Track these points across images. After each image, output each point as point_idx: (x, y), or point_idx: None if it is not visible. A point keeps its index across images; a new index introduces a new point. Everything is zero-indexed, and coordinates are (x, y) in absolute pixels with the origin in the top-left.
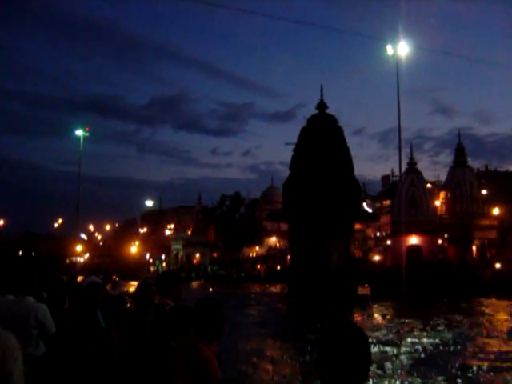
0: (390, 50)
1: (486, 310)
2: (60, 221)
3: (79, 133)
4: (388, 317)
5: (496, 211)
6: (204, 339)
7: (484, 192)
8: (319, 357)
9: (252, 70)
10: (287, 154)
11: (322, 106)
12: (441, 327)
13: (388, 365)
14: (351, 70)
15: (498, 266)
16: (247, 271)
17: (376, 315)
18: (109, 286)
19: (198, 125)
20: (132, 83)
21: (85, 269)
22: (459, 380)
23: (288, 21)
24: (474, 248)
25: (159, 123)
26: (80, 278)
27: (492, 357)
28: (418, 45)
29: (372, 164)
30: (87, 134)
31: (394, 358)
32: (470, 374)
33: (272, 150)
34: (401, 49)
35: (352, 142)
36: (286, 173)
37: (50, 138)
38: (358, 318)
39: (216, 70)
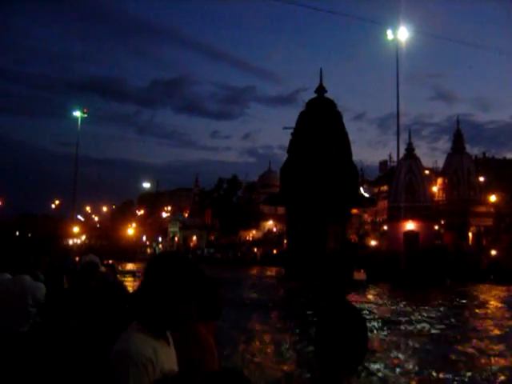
0: (390, 34)
1: (481, 296)
2: (57, 202)
3: (77, 114)
4: (382, 300)
5: (493, 198)
6: (201, 318)
7: (481, 179)
8: (317, 336)
9: (254, 54)
10: (286, 138)
11: (320, 89)
12: (432, 310)
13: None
14: (353, 54)
15: (493, 252)
16: (244, 254)
17: (371, 297)
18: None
19: (198, 108)
20: (133, 65)
21: (81, 250)
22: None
23: (290, 3)
24: (470, 234)
25: (160, 105)
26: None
27: (478, 340)
28: (418, 30)
29: (371, 149)
30: (85, 116)
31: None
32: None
33: (271, 133)
34: (401, 34)
35: (353, 127)
36: (284, 157)
37: (49, 119)
38: (353, 299)
39: (218, 53)
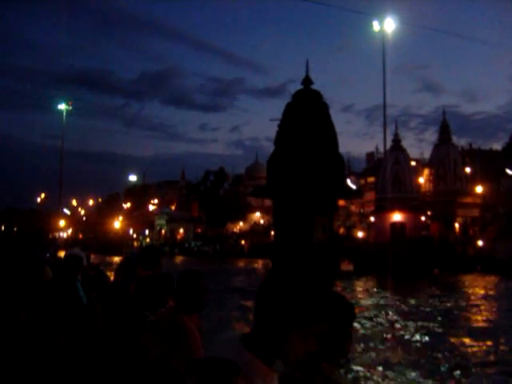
0: (376, 26)
1: (466, 286)
2: (43, 196)
3: (62, 107)
4: (369, 290)
5: (479, 189)
6: (186, 311)
7: (468, 170)
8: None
9: (242, 46)
10: (273, 130)
11: (307, 81)
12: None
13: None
14: (341, 46)
15: (480, 243)
16: (231, 246)
17: (358, 288)
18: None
19: (187, 100)
20: (121, 58)
21: (67, 244)
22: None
23: None
24: (456, 225)
25: (148, 98)
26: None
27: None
28: (405, 21)
29: (358, 141)
30: (70, 108)
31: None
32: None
33: (258, 125)
34: (387, 25)
35: (341, 119)
36: (271, 149)
37: (35, 112)
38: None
39: (206, 46)
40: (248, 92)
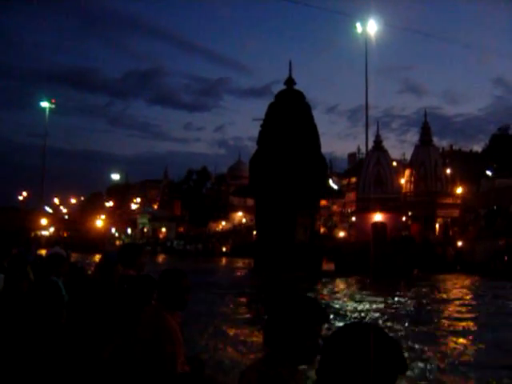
0: (359, 27)
1: (446, 286)
2: (25, 194)
3: (45, 105)
4: (350, 289)
5: (459, 190)
6: (168, 309)
7: (448, 171)
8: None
9: (227, 46)
10: (256, 130)
11: (290, 81)
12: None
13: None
14: (326, 47)
15: (460, 243)
16: (213, 246)
17: (339, 288)
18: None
19: (172, 99)
20: (107, 56)
21: (49, 242)
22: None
23: None
24: (437, 226)
25: (133, 97)
26: (43, 251)
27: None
28: (387, 23)
29: (341, 141)
30: (53, 106)
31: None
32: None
33: (242, 125)
34: (370, 27)
35: (324, 120)
36: (255, 148)
37: (19, 109)
38: (322, 291)
39: (191, 45)
40: (233, 92)
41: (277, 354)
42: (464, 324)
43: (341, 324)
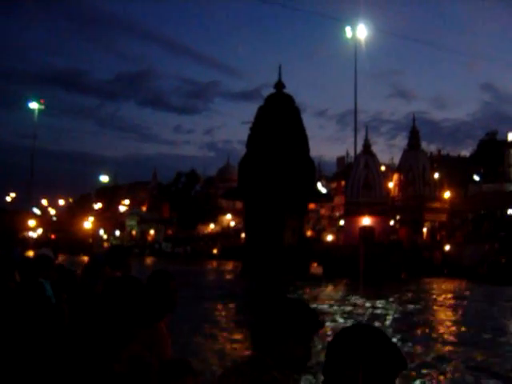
0: (349, 32)
1: (433, 289)
2: (13, 195)
3: (34, 106)
4: (338, 293)
5: (447, 194)
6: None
7: (436, 176)
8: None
9: (218, 49)
10: (246, 133)
11: (279, 85)
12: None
13: None
14: (316, 52)
15: (447, 247)
16: (201, 248)
17: (327, 291)
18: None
19: (162, 102)
20: (97, 58)
21: (37, 244)
22: None
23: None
24: (424, 230)
25: (123, 99)
26: (31, 253)
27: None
28: (377, 28)
29: (330, 145)
30: (42, 107)
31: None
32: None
33: (232, 128)
34: (360, 31)
35: (314, 124)
36: (244, 151)
37: (8, 110)
38: (310, 293)
39: (182, 48)
40: (223, 95)
41: (266, 359)
42: (452, 328)
43: (327, 326)
